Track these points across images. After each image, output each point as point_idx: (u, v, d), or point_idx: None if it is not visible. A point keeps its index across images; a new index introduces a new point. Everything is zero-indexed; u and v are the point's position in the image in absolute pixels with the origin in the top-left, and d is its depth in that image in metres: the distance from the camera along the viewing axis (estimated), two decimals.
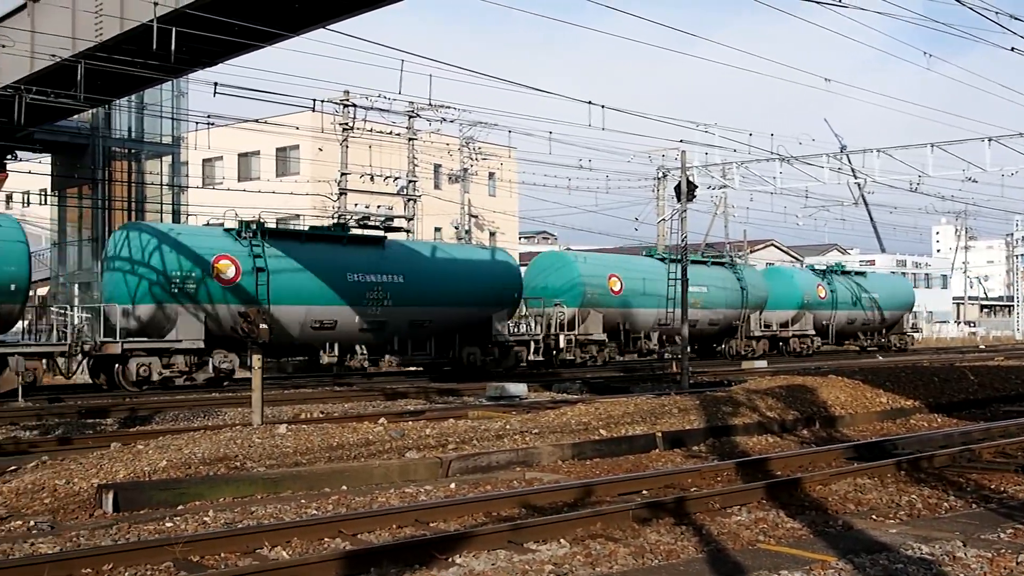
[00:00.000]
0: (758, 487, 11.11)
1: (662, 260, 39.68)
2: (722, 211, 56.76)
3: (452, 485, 11.99)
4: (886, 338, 53.08)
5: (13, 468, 12.55)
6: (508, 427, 15.48)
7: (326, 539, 9.04)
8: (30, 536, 9.24)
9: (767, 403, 18.13)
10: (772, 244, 74.83)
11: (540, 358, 34.67)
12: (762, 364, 36.81)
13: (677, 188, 26.85)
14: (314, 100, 27.57)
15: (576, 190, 47.72)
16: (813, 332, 46.87)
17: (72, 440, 15.41)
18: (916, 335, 57.39)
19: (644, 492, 11.34)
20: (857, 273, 53.25)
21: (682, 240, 26.78)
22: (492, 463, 13.31)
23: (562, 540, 8.88)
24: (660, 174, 50.26)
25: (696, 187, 28.30)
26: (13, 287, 23.51)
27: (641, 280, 37.94)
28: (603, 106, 23.55)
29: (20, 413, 18.91)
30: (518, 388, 23.42)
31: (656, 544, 8.79)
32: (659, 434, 15.40)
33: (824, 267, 51.45)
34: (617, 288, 36.81)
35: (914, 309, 57.21)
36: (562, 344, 34.65)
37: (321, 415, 19.60)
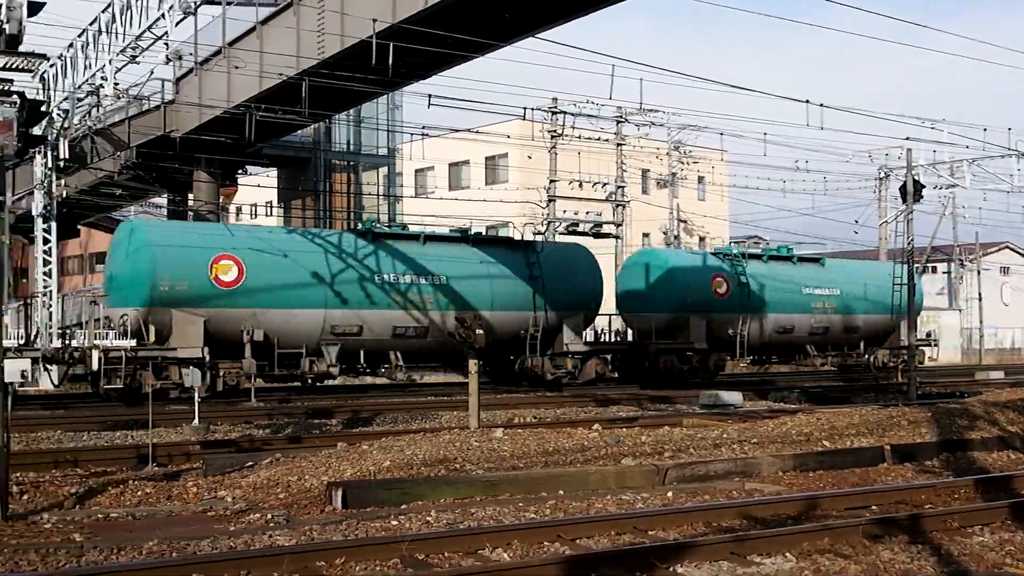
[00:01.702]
0: (1002, 506, 10.38)
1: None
2: (950, 212, 53.75)
3: (669, 493, 11.80)
4: (864, 355, 36.47)
5: (250, 464, 13.25)
6: (725, 436, 15.14)
7: (545, 543, 9.07)
8: (268, 528, 9.71)
9: (1008, 416, 17.01)
10: (1008, 247, 70.18)
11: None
12: (998, 375, 34.61)
13: (902, 188, 25.63)
14: (524, 108, 27.89)
15: (791, 192, 46.20)
16: (702, 345, 31.52)
17: (301, 439, 16.13)
18: (927, 351, 38.94)
19: (873, 508, 10.81)
20: (805, 259, 36.48)
21: (908, 244, 25.56)
22: (710, 472, 13.03)
23: (787, 554, 8.57)
24: (882, 174, 48.15)
25: (923, 187, 26.89)
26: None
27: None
28: (821, 104, 22.70)
29: (252, 413, 19.97)
30: (733, 396, 22.91)
31: (890, 562, 8.35)
32: (887, 447, 14.68)
33: (735, 250, 34.49)
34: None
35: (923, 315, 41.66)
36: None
37: (534, 420, 19.77)
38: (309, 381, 25.08)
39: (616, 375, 31.67)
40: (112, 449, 15.25)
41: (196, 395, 17.59)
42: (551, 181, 39.29)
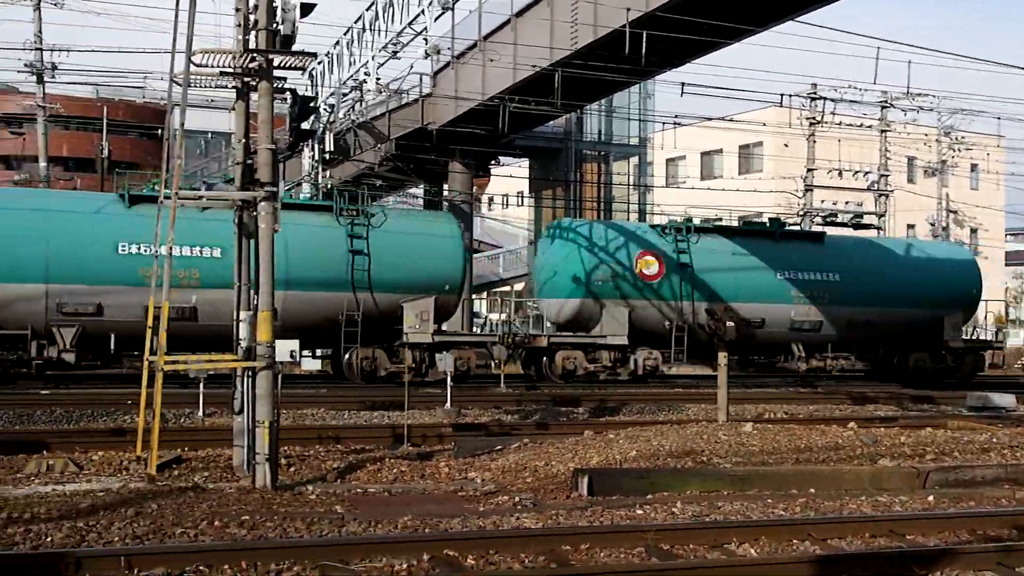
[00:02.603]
0: None
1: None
2: None
3: (930, 498, 11.12)
4: (899, 356, 29.24)
5: (499, 448, 13.58)
6: (995, 440, 14.16)
7: (794, 541, 8.78)
8: (515, 511, 9.91)
9: None
10: None
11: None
12: None
13: None
14: (781, 95, 26.98)
15: None
16: (619, 339, 25.79)
17: (548, 426, 16.38)
18: (993, 350, 31.62)
19: None
20: (793, 236, 29.67)
21: None
22: (976, 478, 12.18)
23: None
24: None
25: None
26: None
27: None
28: None
29: (502, 398, 20.46)
30: (1005, 399, 21.35)
31: None
32: None
33: (685, 223, 27.52)
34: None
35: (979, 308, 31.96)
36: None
37: (785, 415, 19.17)
38: None
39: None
40: (370, 428, 16.04)
41: (449, 379, 18.17)
42: (808, 170, 37.93)
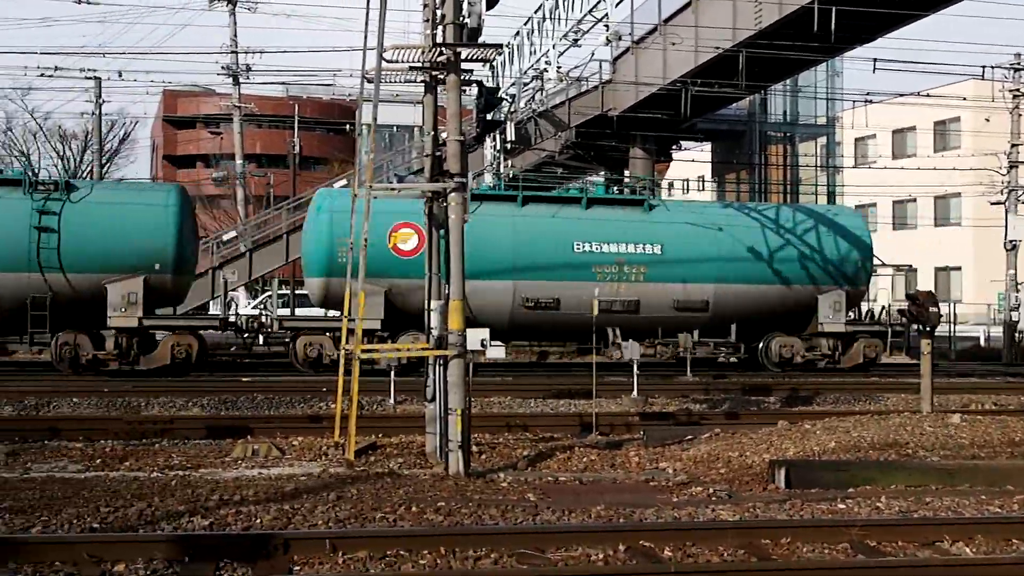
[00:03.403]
0: None
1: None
2: None
3: None
4: (761, 342, 24.63)
5: (689, 437, 13.35)
6: None
7: (1014, 540, 8.25)
8: (710, 502, 9.70)
9: None
10: None
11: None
12: None
13: None
14: (983, 67, 25.48)
15: None
16: (371, 324, 21.12)
17: (739, 415, 16.00)
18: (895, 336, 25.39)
19: None
20: (604, 201, 24.83)
21: None
22: None
23: None
24: None
25: None
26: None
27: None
28: None
29: (688, 387, 20.15)
30: None
31: None
32: None
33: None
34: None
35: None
36: None
37: (994, 407, 18.09)
38: None
39: None
40: (557, 416, 16.07)
41: (635, 367, 17.99)
42: (1012, 146, 35.69)
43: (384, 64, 11.80)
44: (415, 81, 12.76)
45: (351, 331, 12.15)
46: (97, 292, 21.26)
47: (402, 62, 11.93)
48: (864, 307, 26.58)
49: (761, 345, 24.54)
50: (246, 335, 24.18)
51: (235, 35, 37.05)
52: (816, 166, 36.46)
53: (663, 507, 9.40)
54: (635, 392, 17.88)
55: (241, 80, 37.70)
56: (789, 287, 24.34)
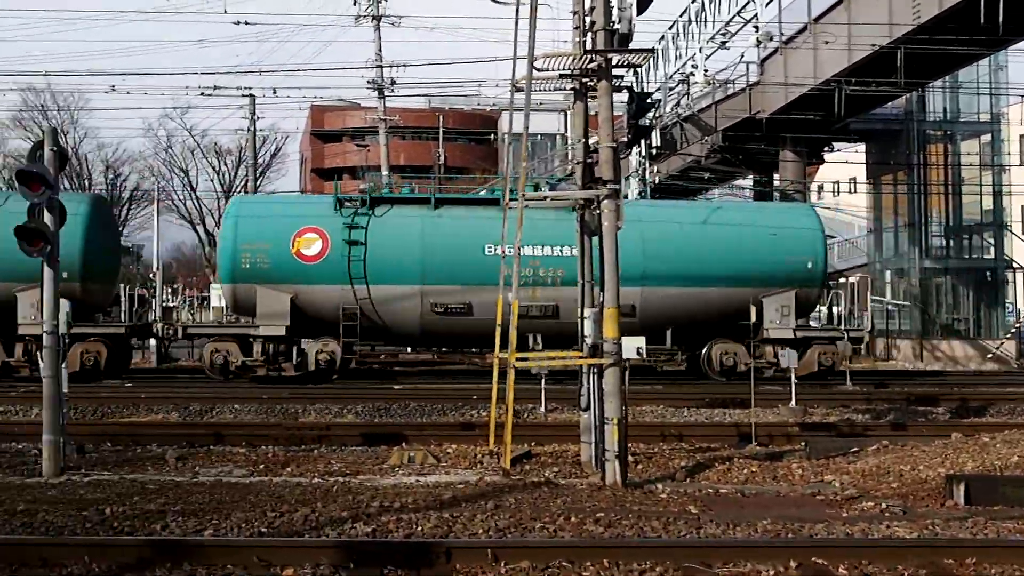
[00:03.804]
0: None
1: None
2: None
3: None
4: (702, 349, 23.48)
5: (854, 449, 12.82)
6: None
7: None
8: (883, 519, 9.24)
9: None
10: None
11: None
12: None
13: None
14: None
15: None
16: (275, 331, 22.27)
17: (907, 427, 15.27)
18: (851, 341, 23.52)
19: None
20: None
21: None
22: None
23: None
24: None
25: None
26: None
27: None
28: None
29: (849, 396, 19.43)
30: None
31: None
32: None
33: (369, 193, 23.68)
34: None
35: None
36: None
37: None
38: None
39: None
40: (712, 426, 15.69)
41: (793, 376, 17.43)
42: None
43: (534, 73, 11.74)
44: (564, 89, 12.70)
45: (504, 340, 12.11)
46: (10, 301, 21.84)
47: (552, 70, 11.86)
48: (836, 311, 24.86)
49: (704, 352, 23.37)
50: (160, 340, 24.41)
51: (380, 49, 37.73)
52: (980, 165, 34.73)
53: (833, 522, 9.00)
54: (793, 402, 17.32)
55: (386, 93, 38.38)
56: (730, 289, 22.70)
